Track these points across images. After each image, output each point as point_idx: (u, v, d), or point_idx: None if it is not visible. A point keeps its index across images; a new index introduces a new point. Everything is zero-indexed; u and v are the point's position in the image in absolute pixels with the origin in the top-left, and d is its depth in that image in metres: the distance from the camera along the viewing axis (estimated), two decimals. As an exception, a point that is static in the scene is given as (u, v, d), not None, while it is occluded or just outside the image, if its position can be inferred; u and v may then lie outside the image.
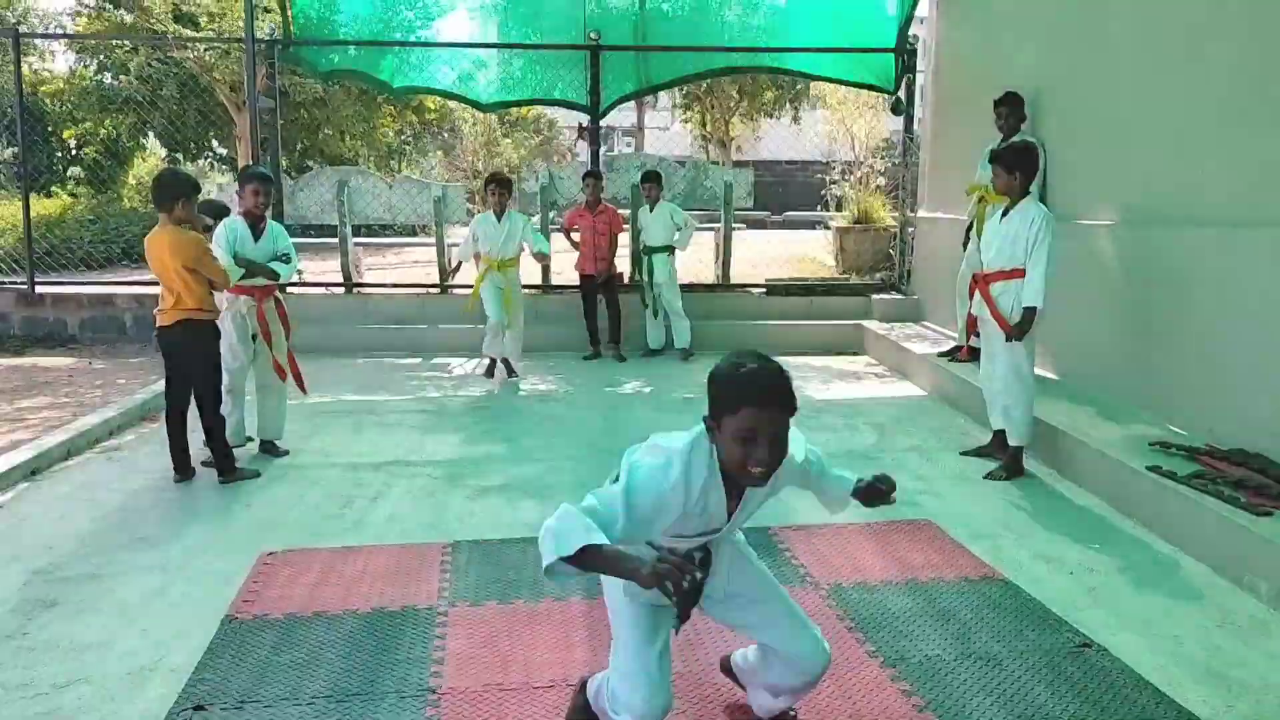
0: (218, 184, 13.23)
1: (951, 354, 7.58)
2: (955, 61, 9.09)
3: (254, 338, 5.57)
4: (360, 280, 10.17)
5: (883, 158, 12.86)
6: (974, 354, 6.61)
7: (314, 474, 5.36)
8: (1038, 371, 5.53)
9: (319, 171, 10.70)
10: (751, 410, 2.16)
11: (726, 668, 2.99)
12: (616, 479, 2.30)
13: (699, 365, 8.52)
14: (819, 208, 14.62)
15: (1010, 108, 6.92)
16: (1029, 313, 5.06)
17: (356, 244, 10.29)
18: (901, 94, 10.07)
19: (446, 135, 25.99)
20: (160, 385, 7.14)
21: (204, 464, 5.31)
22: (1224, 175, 5.24)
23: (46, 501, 4.91)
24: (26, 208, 9.65)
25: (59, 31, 20.12)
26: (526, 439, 6.12)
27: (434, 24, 10.23)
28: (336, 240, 9.72)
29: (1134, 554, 4.26)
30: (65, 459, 5.60)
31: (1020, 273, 5.12)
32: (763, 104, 25.91)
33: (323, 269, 11.31)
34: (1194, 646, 3.41)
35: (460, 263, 8.57)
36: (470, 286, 8.16)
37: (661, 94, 18.06)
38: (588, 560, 2.10)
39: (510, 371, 7.92)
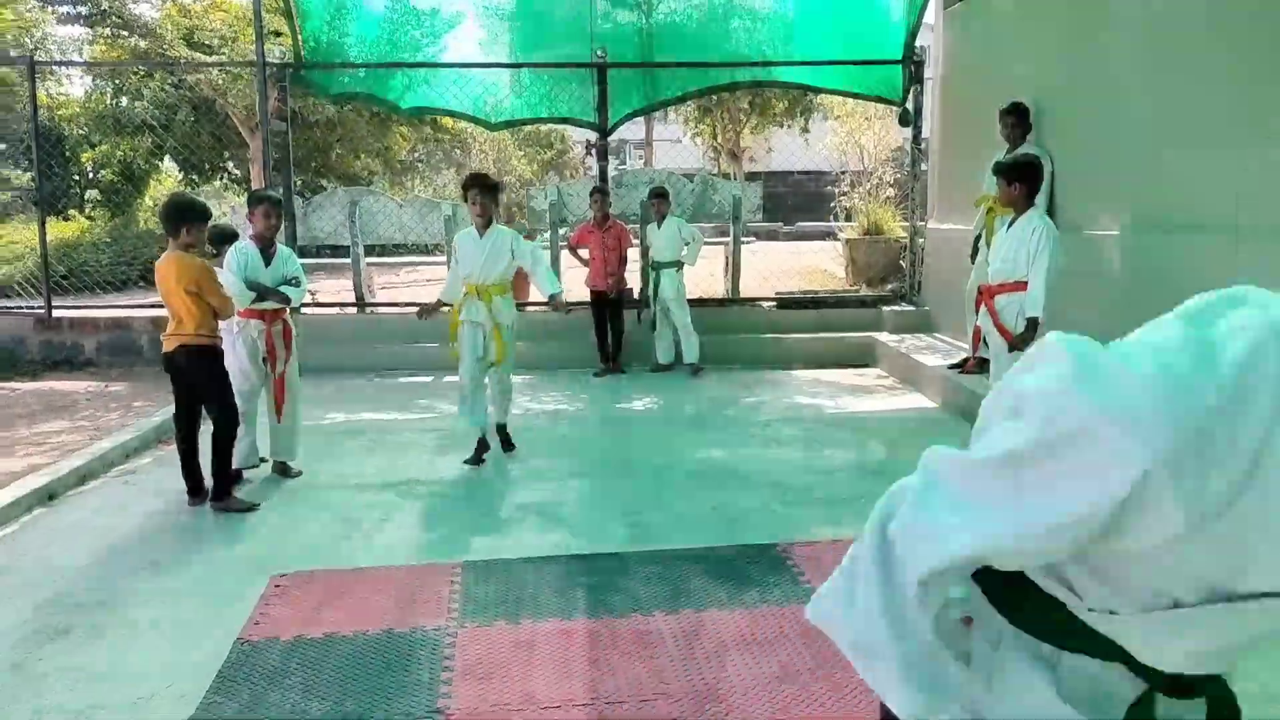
0: (232, 205, 13.37)
1: (960, 366, 7.57)
2: (962, 73, 9.10)
3: (264, 360, 5.62)
4: (373, 299, 10.24)
5: (892, 169, 12.86)
6: (981, 365, 6.60)
7: (325, 495, 5.40)
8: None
9: (331, 193, 10.79)
10: None
11: None
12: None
13: (710, 380, 8.54)
14: (829, 218, 14.63)
15: (1016, 118, 6.94)
16: (1032, 323, 5.07)
17: (369, 264, 10.37)
18: (909, 105, 10.08)
19: (458, 152, 26.13)
20: (172, 408, 7.25)
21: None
22: (1227, 184, 5.23)
23: (60, 527, 4.96)
24: (43, 232, 9.78)
25: (75, 59, 20.36)
26: (536, 459, 6.14)
27: (441, 41, 10.30)
28: (348, 260, 9.80)
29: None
30: (81, 484, 5.66)
31: (1023, 285, 5.15)
32: (773, 115, 25.97)
33: (334, 288, 11.40)
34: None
35: (439, 302, 6.20)
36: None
37: (671, 107, 18.13)
38: None
39: (506, 444, 6.18)
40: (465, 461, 5.91)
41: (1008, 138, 6.98)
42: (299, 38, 9.61)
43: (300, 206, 9.80)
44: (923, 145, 10.25)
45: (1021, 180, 5.19)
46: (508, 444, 6.17)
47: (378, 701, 3.14)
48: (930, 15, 9.80)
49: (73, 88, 23.92)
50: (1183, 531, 0.91)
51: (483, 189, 5.81)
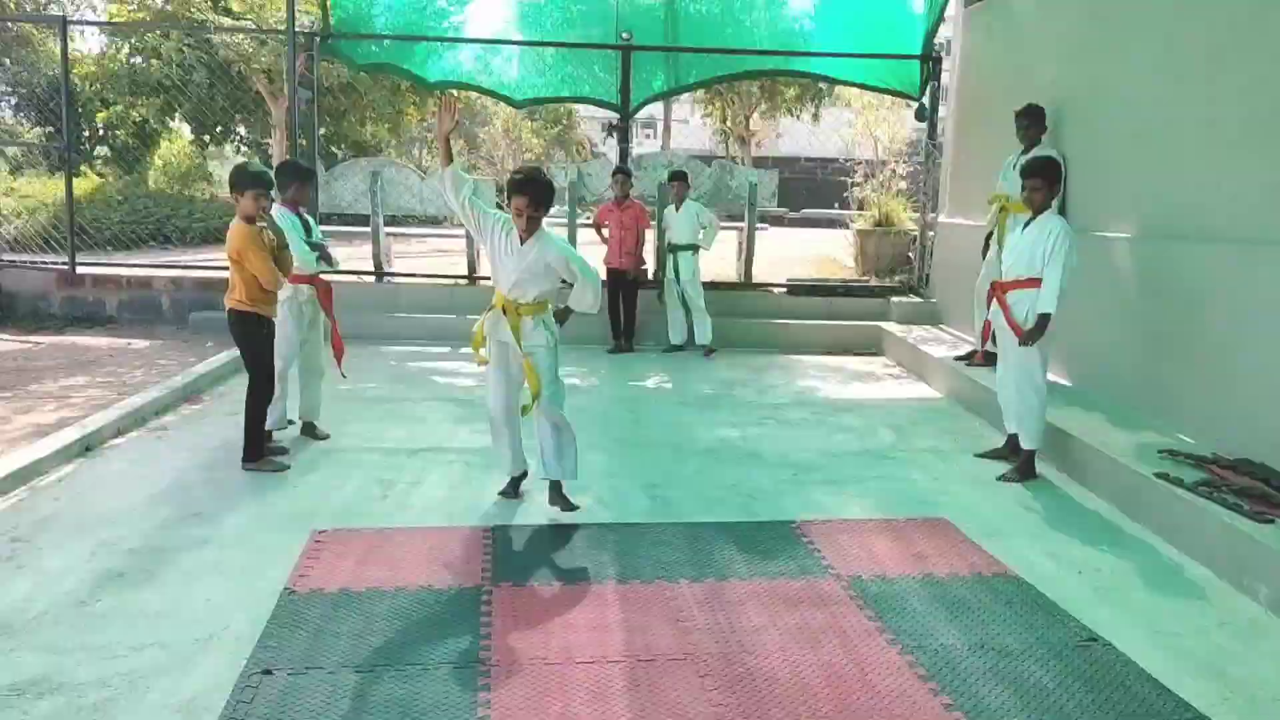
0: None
1: (967, 358, 7.77)
2: (980, 72, 9.26)
3: (309, 325, 5.80)
4: (390, 269, 10.41)
5: (904, 161, 13.02)
6: (989, 359, 6.80)
7: (353, 458, 5.60)
8: (1054, 378, 5.73)
9: (353, 162, 10.93)
10: None
11: None
12: None
13: (721, 362, 8.75)
14: (839, 207, 14.80)
15: (1031, 119, 7.10)
16: (1042, 319, 5.26)
17: (387, 234, 10.52)
18: (925, 100, 10.23)
19: (468, 123, 26.17)
20: (200, 368, 7.45)
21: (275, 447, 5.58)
22: (1239, 193, 5.41)
23: (103, 476, 5.16)
24: (69, 192, 9.92)
25: (100, 19, 20.40)
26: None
27: (467, 13, 10.38)
28: (363, 229, 9.94)
29: (1140, 556, 4.46)
30: (116, 436, 5.85)
31: (1036, 282, 5.32)
32: (784, 101, 26.05)
33: (351, 255, 11.55)
34: (1194, 644, 3.62)
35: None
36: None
37: (686, 90, 18.25)
38: None
39: (559, 500, 4.75)
40: (500, 493, 4.95)
41: (1022, 139, 7.14)
42: (328, 6, 9.72)
43: (322, 175, 9.95)
44: (938, 140, 10.41)
45: (1058, 181, 5.41)
46: (566, 505, 4.74)
47: (421, 652, 3.34)
48: (951, 10, 9.94)
49: (86, 44, 23.94)
50: None
51: (525, 189, 4.39)
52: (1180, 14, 6.06)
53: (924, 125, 10.48)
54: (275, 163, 10.80)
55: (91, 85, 19.83)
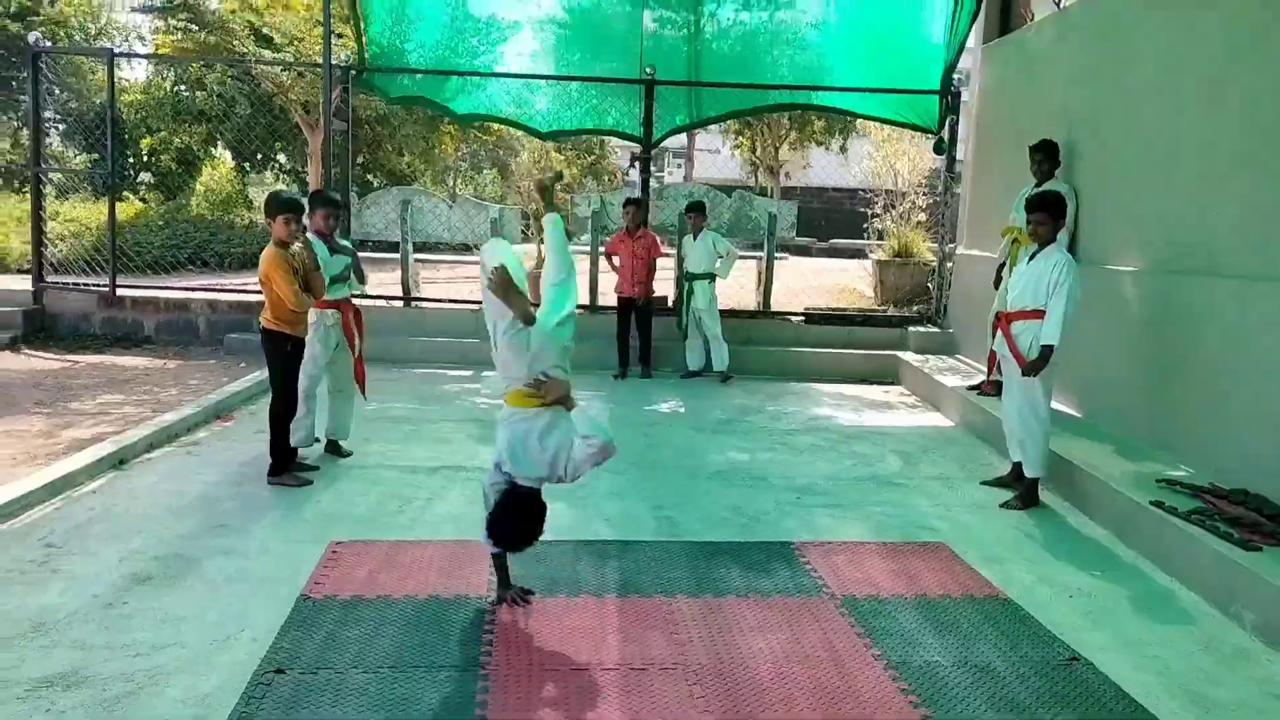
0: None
1: (976, 387, 7.88)
2: (997, 107, 9.41)
3: (335, 347, 6.04)
4: (418, 294, 10.69)
5: (924, 193, 13.15)
6: (996, 388, 6.91)
7: (375, 474, 5.81)
8: (1060, 408, 5.83)
9: (385, 191, 11.28)
10: None
11: None
12: None
13: (738, 389, 8.90)
14: (864, 236, 14.94)
15: (1045, 154, 7.24)
16: (1046, 350, 5.37)
17: (416, 260, 10.82)
18: (944, 134, 10.38)
19: (502, 153, 26.64)
20: (231, 387, 7.72)
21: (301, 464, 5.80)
22: (1241, 229, 5.53)
23: (136, 488, 5.40)
24: (112, 216, 10.30)
25: (145, 51, 21.08)
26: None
27: (497, 50, 10.73)
28: (393, 254, 10.24)
29: (1133, 582, 4.55)
30: (148, 451, 6.11)
31: (1041, 313, 5.44)
32: (812, 132, 26.31)
33: (381, 280, 11.86)
34: (1178, 667, 3.71)
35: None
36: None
37: (711, 119, 18.52)
38: None
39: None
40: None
41: (1035, 173, 7.28)
42: (363, 41, 10.08)
43: (355, 203, 10.27)
44: (956, 173, 10.55)
45: (1062, 216, 5.55)
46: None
47: (425, 655, 3.52)
48: (970, 43, 10.11)
49: (133, 72, 24.70)
50: None
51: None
52: (1192, 51, 6.19)
53: (943, 158, 10.62)
54: (310, 190, 11.15)
55: (137, 113, 20.50)
